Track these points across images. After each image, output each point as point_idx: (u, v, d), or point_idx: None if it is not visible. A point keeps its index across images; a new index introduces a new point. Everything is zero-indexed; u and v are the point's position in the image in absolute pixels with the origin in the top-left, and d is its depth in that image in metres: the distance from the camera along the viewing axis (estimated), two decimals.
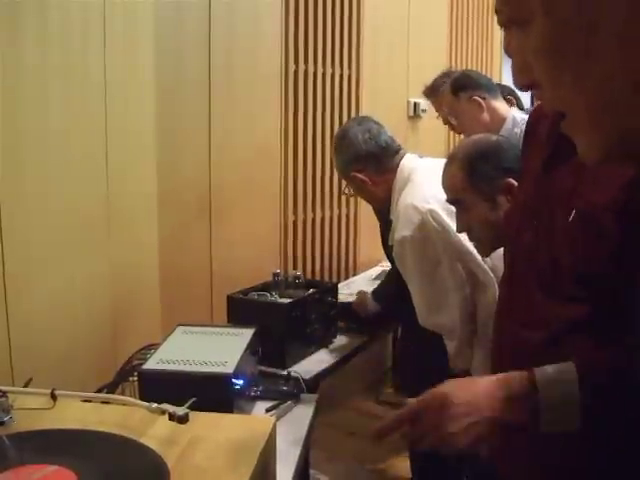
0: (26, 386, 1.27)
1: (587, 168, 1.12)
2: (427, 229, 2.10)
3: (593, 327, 1.10)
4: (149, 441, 1.00)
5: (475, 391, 1.09)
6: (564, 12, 0.54)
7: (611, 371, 1.05)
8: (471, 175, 1.75)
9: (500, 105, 2.75)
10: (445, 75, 3.28)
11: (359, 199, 3.89)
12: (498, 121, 2.70)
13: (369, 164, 2.38)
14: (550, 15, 0.55)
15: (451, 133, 5.02)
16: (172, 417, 1.01)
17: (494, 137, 1.90)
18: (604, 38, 0.51)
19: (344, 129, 2.50)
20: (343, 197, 3.90)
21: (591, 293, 1.10)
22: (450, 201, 1.84)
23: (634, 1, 0.49)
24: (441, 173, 1.86)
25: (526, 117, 2.05)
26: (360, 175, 2.38)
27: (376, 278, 3.56)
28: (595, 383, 1.04)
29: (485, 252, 1.88)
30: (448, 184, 1.83)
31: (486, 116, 2.74)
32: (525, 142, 1.44)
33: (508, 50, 1.18)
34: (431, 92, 3.31)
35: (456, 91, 2.85)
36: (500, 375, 1.10)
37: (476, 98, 2.75)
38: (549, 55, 0.57)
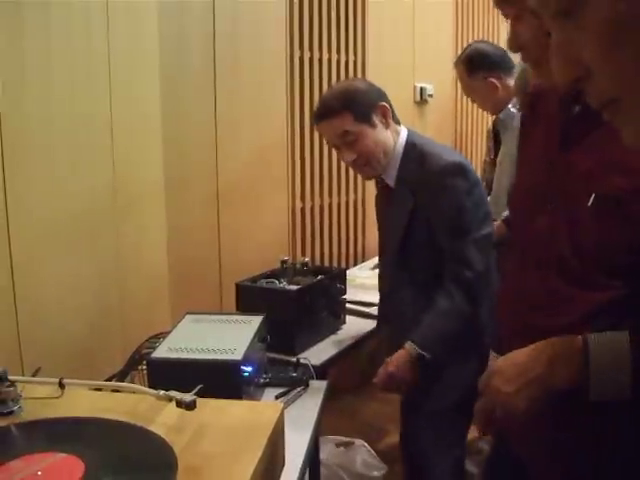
0: (34, 375, 1.27)
1: (603, 151, 1.10)
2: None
3: (617, 314, 1.08)
4: (157, 428, 0.99)
5: (524, 353, 1.11)
6: None
7: None
8: None
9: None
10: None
11: (366, 185, 3.89)
12: (507, 99, 2.72)
13: (390, 105, 2.24)
14: None
15: (457, 118, 5.00)
16: (179, 404, 1.01)
17: None
18: None
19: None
20: (351, 183, 3.90)
21: (616, 280, 1.08)
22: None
23: None
24: None
25: None
26: (387, 105, 2.21)
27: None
28: None
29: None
30: None
31: (501, 95, 2.75)
32: (525, 122, 1.42)
33: (518, 42, 1.16)
34: None
35: (471, 72, 2.86)
36: (549, 339, 1.10)
37: (492, 80, 2.76)
38: (612, 37, 0.56)
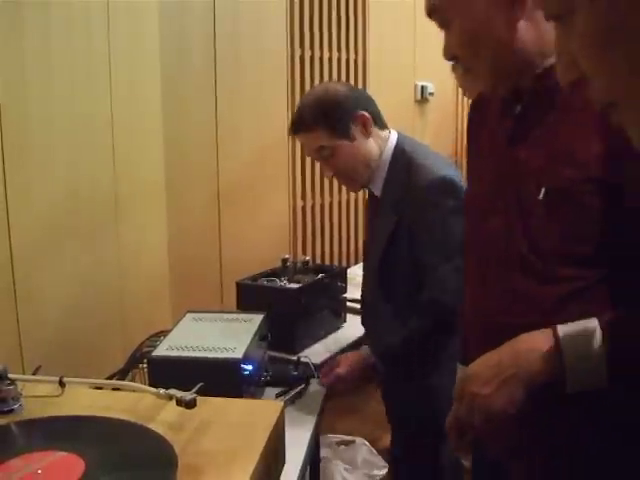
0: (35, 374, 1.28)
1: (549, 145, 1.11)
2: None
3: (581, 306, 1.08)
4: (158, 426, 1.00)
5: (498, 353, 1.09)
6: None
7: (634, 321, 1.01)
8: None
9: None
10: None
11: None
12: None
13: (372, 110, 2.05)
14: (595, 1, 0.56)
15: (458, 116, 4.99)
16: (180, 402, 1.02)
17: None
18: None
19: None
20: None
21: (575, 271, 1.09)
22: None
23: None
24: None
25: None
26: (367, 114, 2.01)
27: None
28: (619, 332, 1.01)
29: None
30: None
31: None
32: (472, 125, 1.42)
33: (450, 51, 1.18)
34: None
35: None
36: (519, 336, 1.08)
37: None
38: (601, 41, 0.57)
